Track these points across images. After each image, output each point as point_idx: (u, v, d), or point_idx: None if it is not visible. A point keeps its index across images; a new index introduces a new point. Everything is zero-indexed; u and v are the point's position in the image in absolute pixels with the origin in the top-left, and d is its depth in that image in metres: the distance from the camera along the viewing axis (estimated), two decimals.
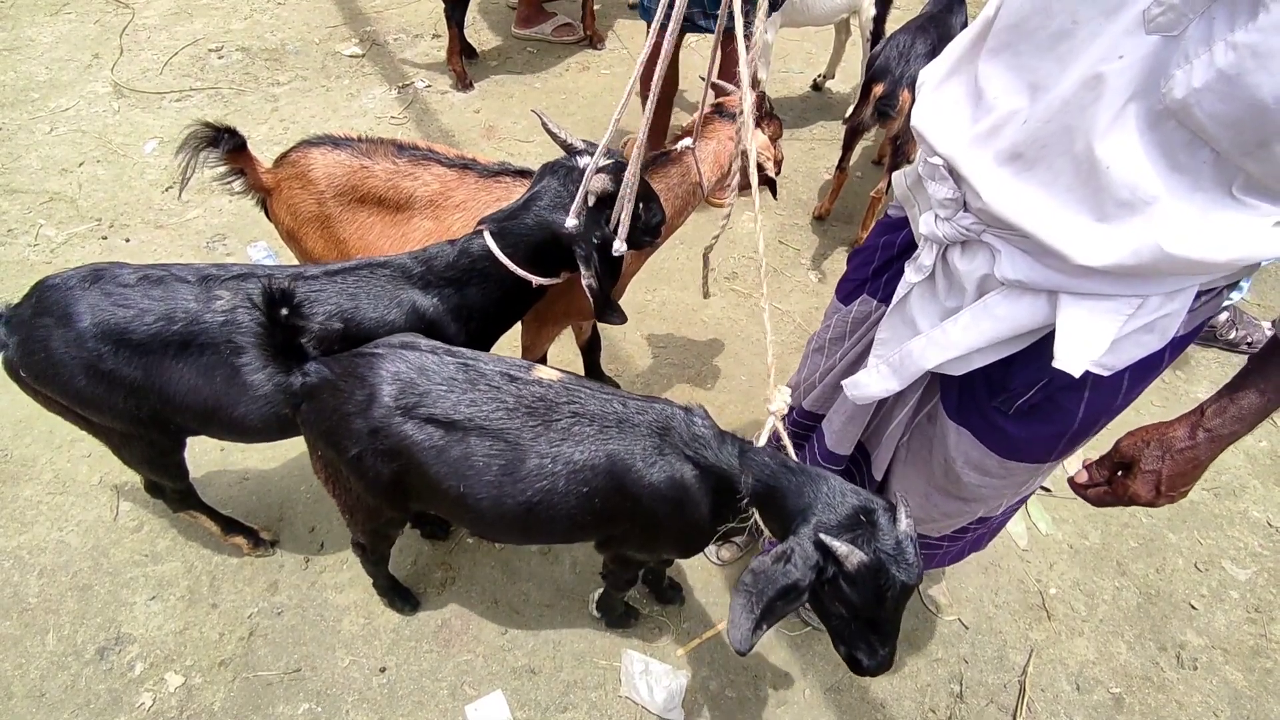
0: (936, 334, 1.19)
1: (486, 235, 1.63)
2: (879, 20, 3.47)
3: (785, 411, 1.39)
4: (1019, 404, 1.23)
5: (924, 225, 1.20)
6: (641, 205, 1.66)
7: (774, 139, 2.12)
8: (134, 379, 1.54)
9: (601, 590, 2.04)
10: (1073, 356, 1.03)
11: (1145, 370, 1.14)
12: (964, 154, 1.06)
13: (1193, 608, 2.18)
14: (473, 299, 1.68)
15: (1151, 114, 0.86)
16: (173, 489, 1.94)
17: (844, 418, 1.54)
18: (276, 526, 2.23)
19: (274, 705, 1.91)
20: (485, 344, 1.83)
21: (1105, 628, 2.14)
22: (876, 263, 1.47)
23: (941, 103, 1.13)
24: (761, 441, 1.40)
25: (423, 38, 4.27)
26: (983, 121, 1.04)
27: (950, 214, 1.13)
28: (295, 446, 2.35)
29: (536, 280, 1.67)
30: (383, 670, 1.98)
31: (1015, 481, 1.38)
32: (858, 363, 1.51)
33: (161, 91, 3.63)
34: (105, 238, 2.98)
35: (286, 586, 2.12)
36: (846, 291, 1.56)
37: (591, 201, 1.58)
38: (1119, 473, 1.14)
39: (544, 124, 1.67)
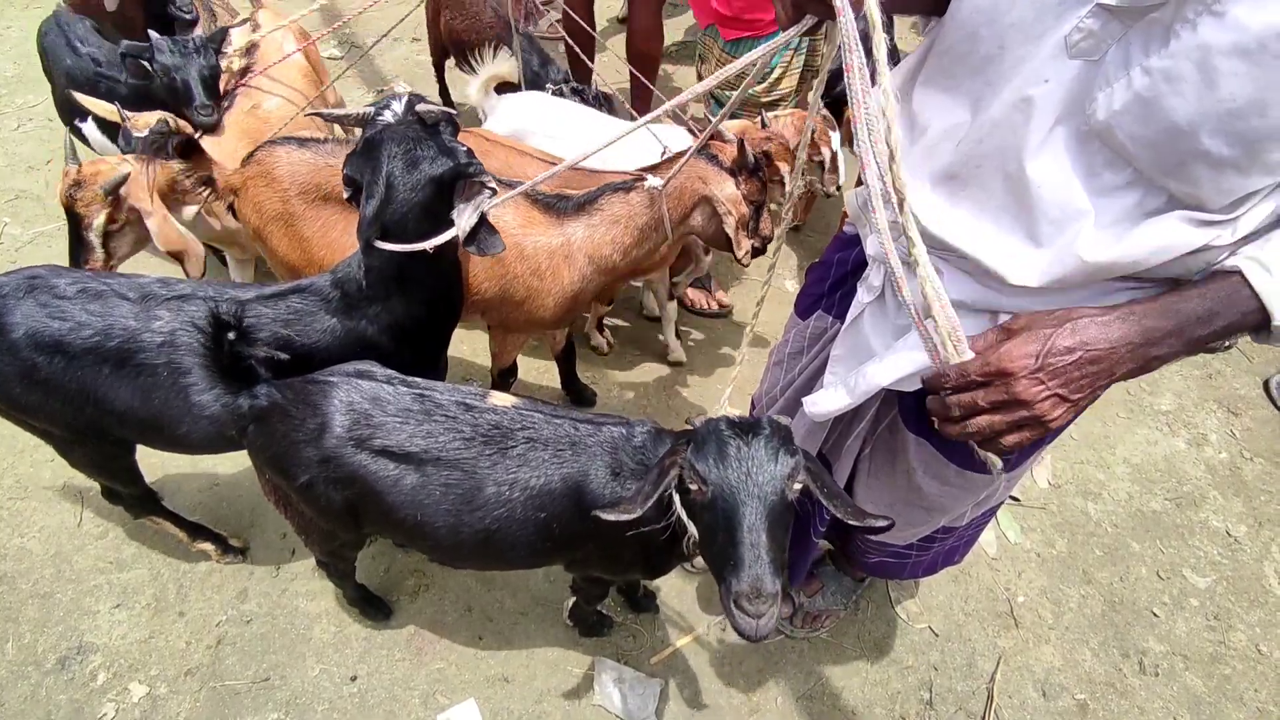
0: (888, 355, 1.19)
1: (379, 244, 1.48)
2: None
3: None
4: None
5: (871, 247, 1.22)
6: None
7: (750, 197, 1.96)
8: (69, 390, 1.52)
9: (575, 599, 2.04)
10: None
11: None
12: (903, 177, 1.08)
13: (1155, 615, 2.23)
14: (400, 311, 1.61)
15: (1078, 134, 0.89)
16: (128, 494, 1.91)
17: (803, 431, 1.54)
18: (247, 533, 2.20)
19: (241, 715, 1.88)
20: (434, 354, 1.81)
21: (1071, 635, 2.18)
22: (832, 278, 1.48)
23: None
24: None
25: (402, 41, 4.24)
26: (918, 144, 1.06)
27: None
28: None
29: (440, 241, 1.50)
30: (354, 679, 1.96)
31: (974, 489, 1.39)
32: (815, 377, 1.52)
33: None
34: None
35: (256, 594, 2.09)
36: (804, 306, 1.57)
37: (431, 122, 1.48)
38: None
39: (324, 115, 1.61)
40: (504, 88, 2.58)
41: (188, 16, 2.61)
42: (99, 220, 1.81)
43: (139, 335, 1.48)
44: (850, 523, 1.17)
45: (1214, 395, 2.88)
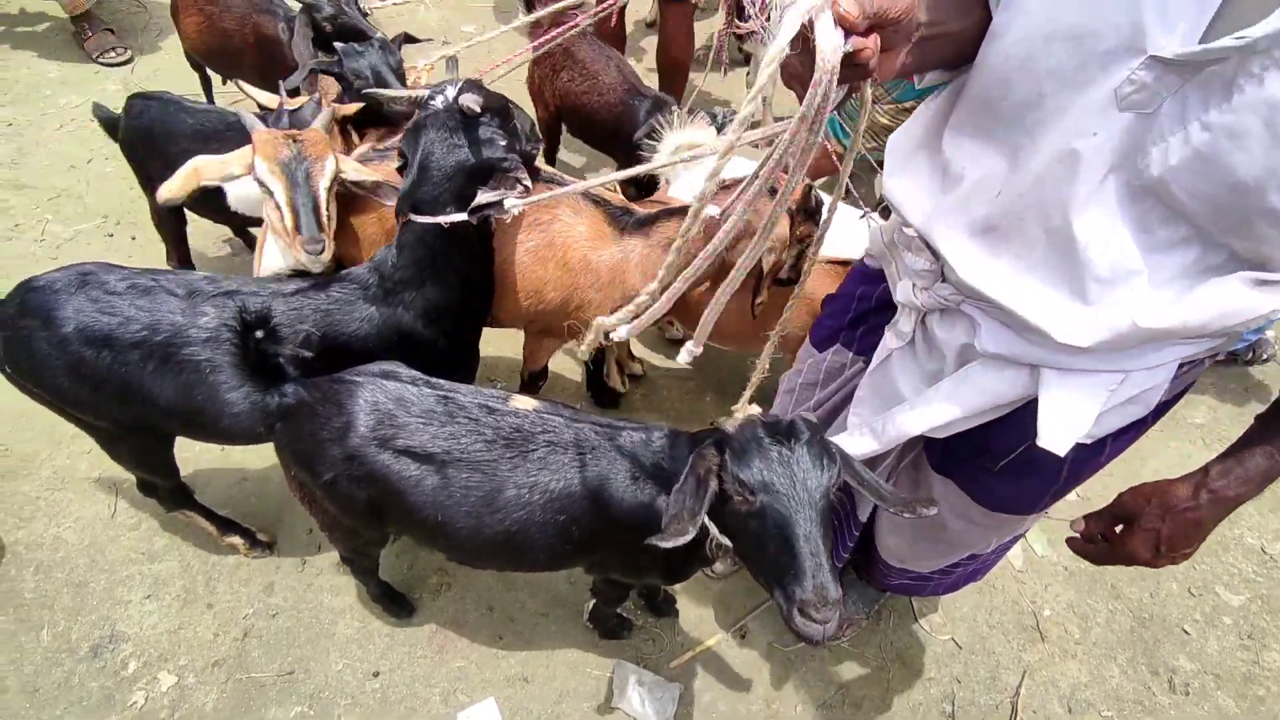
0: (918, 402, 1.17)
1: (413, 218, 1.59)
2: None
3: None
4: (1002, 464, 1.21)
5: (901, 293, 1.18)
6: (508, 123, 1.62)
7: (800, 237, 1.86)
8: (117, 384, 1.55)
9: (595, 601, 2.05)
10: (1058, 436, 1.00)
11: (1129, 431, 1.12)
12: (936, 226, 1.04)
13: (1186, 633, 2.18)
14: (435, 297, 1.66)
15: (1129, 190, 0.84)
16: (164, 487, 1.95)
17: None
18: (274, 528, 2.24)
19: (266, 707, 1.91)
20: (469, 341, 1.84)
21: (1098, 650, 2.14)
22: (853, 313, 1.44)
23: (911, 173, 1.11)
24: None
25: (432, 43, 4.29)
26: (952, 193, 1.02)
27: (928, 284, 1.11)
28: None
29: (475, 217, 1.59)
30: (376, 675, 1.98)
31: (1001, 529, 1.37)
32: (835, 414, 1.49)
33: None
34: (111, 235, 3.00)
35: (282, 588, 2.12)
36: (820, 337, 1.53)
37: (474, 113, 1.55)
38: (1118, 529, 1.10)
39: (380, 96, 1.71)
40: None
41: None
42: (331, 169, 1.65)
43: (185, 330, 1.52)
44: (895, 512, 1.15)
45: (1249, 408, 2.81)
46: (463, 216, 1.56)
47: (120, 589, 2.09)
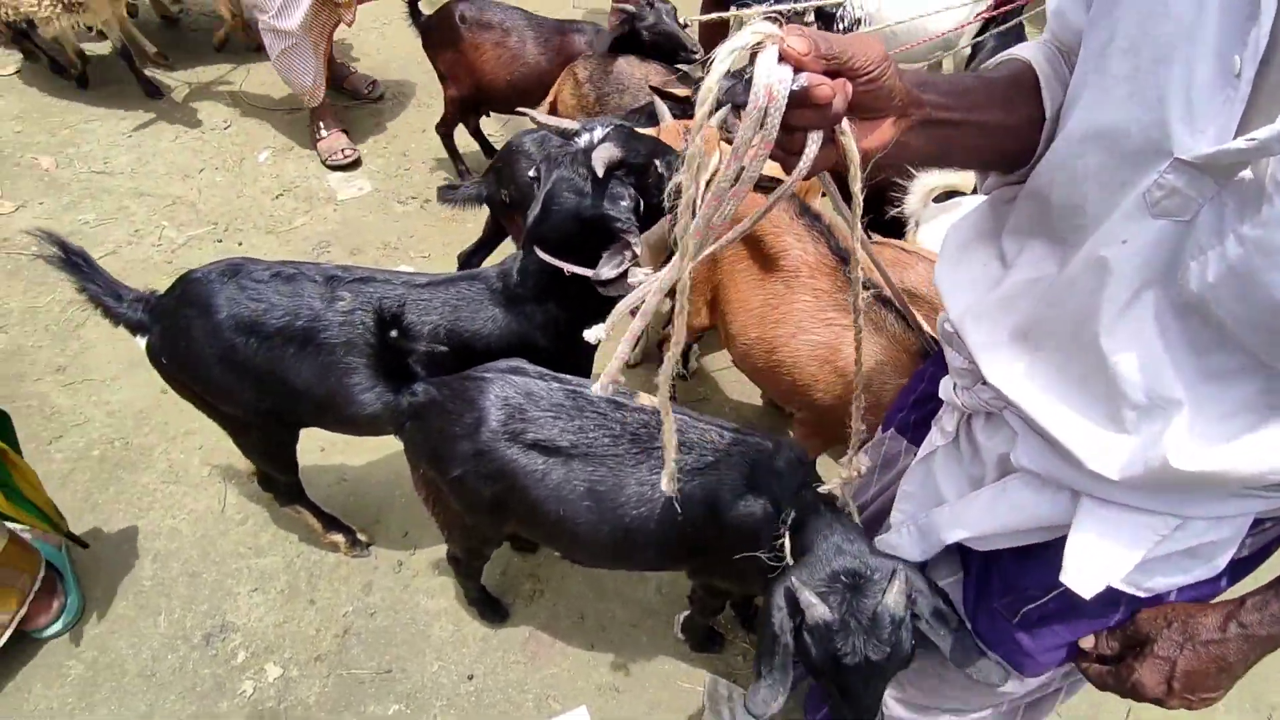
0: (958, 506, 1.06)
1: (537, 250, 1.61)
2: (973, 61, 3.38)
3: (853, 478, 1.25)
4: (1026, 610, 1.04)
5: (943, 390, 1.09)
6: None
7: None
8: (260, 370, 1.62)
9: (687, 613, 2.03)
10: (1084, 574, 0.87)
11: (1195, 592, 0.94)
12: (973, 322, 0.96)
13: None
14: (554, 312, 1.69)
15: (1173, 307, 0.73)
16: (283, 482, 2.03)
17: None
18: (372, 528, 2.30)
19: (365, 703, 1.96)
20: (586, 358, 1.85)
21: None
22: (917, 393, 1.33)
23: (963, 262, 1.03)
24: (826, 489, 1.31)
25: None
26: (998, 290, 0.93)
27: (969, 384, 1.02)
28: (393, 448, 2.41)
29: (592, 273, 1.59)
30: (470, 678, 2.01)
31: (1035, 682, 1.17)
32: (886, 509, 1.34)
33: (275, 107, 3.82)
34: (220, 240, 3.14)
35: (380, 588, 2.18)
36: (888, 417, 1.42)
37: (601, 172, 1.52)
38: (1129, 652, 0.95)
39: (533, 118, 1.69)
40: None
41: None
42: (713, 163, 1.61)
43: (323, 315, 1.59)
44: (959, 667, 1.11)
45: None
46: (586, 273, 1.55)
47: (229, 581, 2.17)
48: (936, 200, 2.18)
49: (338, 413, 1.68)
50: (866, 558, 1.21)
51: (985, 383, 0.95)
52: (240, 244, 3.14)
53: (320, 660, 2.03)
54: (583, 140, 1.55)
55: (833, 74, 0.68)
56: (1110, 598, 0.91)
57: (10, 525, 1.90)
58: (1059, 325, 0.83)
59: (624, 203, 1.54)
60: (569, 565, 2.23)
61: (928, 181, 2.12)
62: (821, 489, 1.29)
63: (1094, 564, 0.86)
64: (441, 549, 2.23)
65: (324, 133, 3.46)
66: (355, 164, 3.52)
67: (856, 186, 0.76)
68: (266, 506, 2.31)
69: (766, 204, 0.80)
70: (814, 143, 0.71)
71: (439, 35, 3.05)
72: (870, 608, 1.15)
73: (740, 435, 1.45)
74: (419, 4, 3.09)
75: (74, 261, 1.66)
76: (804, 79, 0.66)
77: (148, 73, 3.76)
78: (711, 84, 0.66)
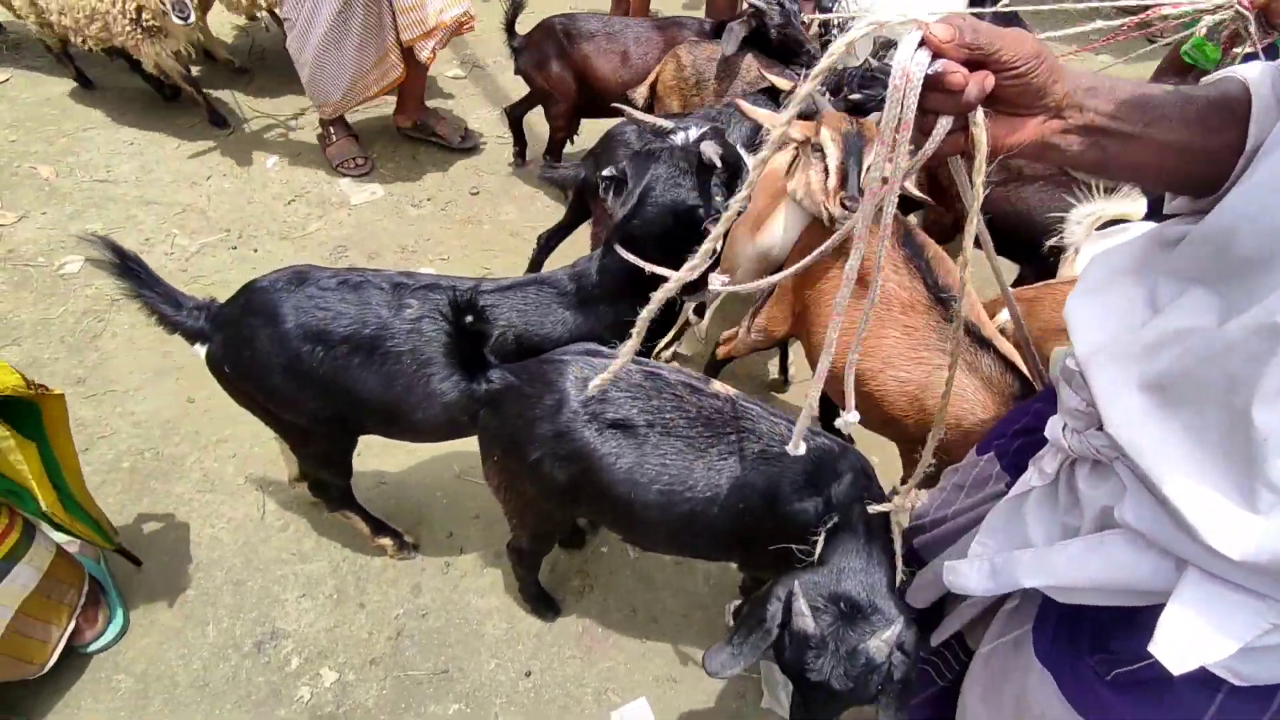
0: (1045, 552, 0.98)
1: (618, 249, 1.64)
2: None
3: (906, 508, 1.23)
4: (1118, 672, 0.94)
5: (1050, 430, 1.01)
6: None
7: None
8: (325, 379, 1.62)
9: (739, 601, 2.06)
10: (1176, 649, 0.78)
11: None
12: (1103, 363, 0.88)
13: None
14: (626, 313, 1.72)
15: None
16: (336, 487, 2.02)
17: (931, 583, 1.31)
18: (415, 530, 2.29)
19: (425, 704, 1.96)
20: (643, 355, 1.88)
21: None
22: (1020, 424, 1.27)
23: (1106, 295, 0.95)
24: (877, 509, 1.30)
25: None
26: (1140, 332, 0.86)
27: (1081, 427, 0.95)
28: (431, 450, 2.41)
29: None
30: (528, 674, 2.02)
31: None
32: (969, 528, 1.28)
33: (279, 115, 3.78)
34: (235, 247, 3.11)
35: (429, 589, 2.17)
36: (986, 440, 1.37)
37: (719, 163, 1.57)
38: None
39: (629, 115, 1.75)
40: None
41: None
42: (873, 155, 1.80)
43: (390, 323, 1.59)
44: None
45: None
46: (668, 273, 1.56)
47: (276, 588, 2.15)
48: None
49: (405, 419, 1.68)
50: (875, 595, 1.28)
51: (1100, 429, 0.89)
52: (255, 250, 3.11)
53: (375, 663, 2.02)
54: (679, 138, 1.58)
55: (977, 64, 0.71)
56: (1204, 678, 0.81)
57: (57, 537, 1.87)
58: (1206, 385, 0.76)
59: (719, 198, 1.58)
60: (617, 560, 2.25)
61: (1094, 209, 1.96)
62: (873, 508, 1.29)
63: (1190, 641, 0.78)
64: (487, 549, 2.25)
65: (334, 138, 3.44)
66: (369, 173, 3.51)
67: (979, 178, 0.78)
68: (306, 512, 2.29)
69: (896, 178, 0.80)
70: (943, 126, 0.75)
71: (540, 54, 3.05)
72: (853, 641, 1.22)
73: (809, 433, 1.49)
74: (514, 26, 3.08)
75: (130, 268, 1.64)
76: (940, 65, 0.70)
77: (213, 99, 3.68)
78: (836, 51, 0.72)
